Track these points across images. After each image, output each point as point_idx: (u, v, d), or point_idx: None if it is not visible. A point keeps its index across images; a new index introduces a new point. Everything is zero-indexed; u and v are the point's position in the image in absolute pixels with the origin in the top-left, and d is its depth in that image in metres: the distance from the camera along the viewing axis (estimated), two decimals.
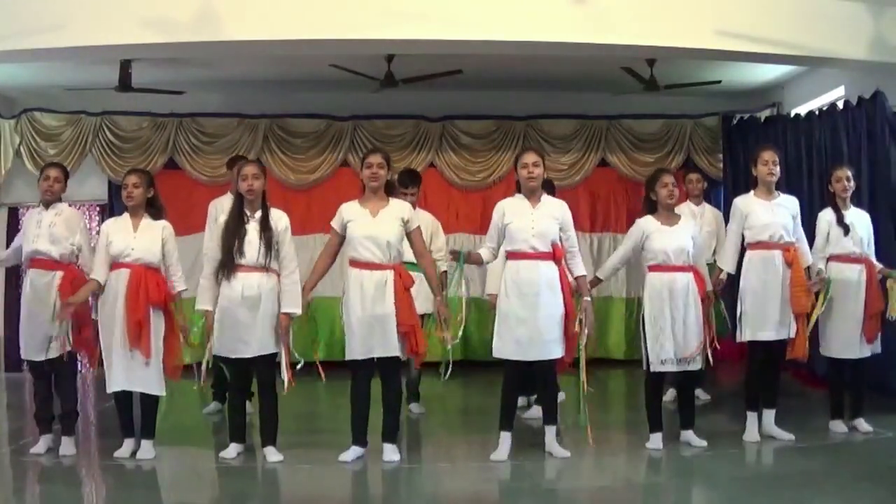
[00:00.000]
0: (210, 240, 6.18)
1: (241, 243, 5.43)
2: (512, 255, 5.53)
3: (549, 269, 5.48)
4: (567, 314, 5.49)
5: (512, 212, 5.56)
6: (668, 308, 5.62)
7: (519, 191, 5.67)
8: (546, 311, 5.43)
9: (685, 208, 7.19)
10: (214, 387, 6.96)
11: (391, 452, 5.50)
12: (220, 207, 6.40)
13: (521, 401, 6.98)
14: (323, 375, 5.66)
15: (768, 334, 5.82)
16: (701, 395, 7.29)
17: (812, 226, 6.21)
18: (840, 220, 6.08)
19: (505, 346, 5.50)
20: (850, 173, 6.15)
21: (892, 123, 7.45)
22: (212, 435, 6.57)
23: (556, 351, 5.48)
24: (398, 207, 5.57)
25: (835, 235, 6.08)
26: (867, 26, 7.18)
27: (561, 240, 5.53)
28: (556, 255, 5.49)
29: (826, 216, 6.16)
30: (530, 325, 5.43)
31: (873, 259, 6.17)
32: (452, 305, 6.26)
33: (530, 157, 5.58)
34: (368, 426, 5.57)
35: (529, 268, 5.47)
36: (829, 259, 6.11)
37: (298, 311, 5.49)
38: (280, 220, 5.56)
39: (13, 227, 9.35)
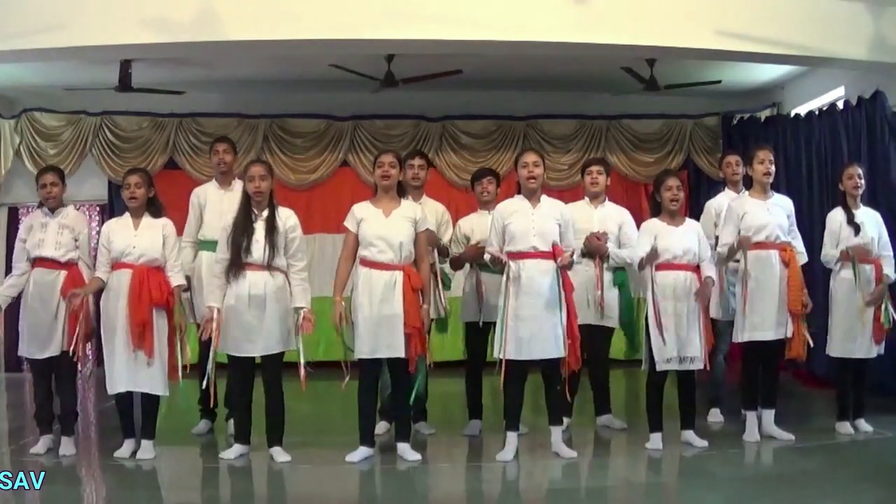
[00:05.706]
0: (191, 226, 6.14)
1: (248, 242, 5.44)
2: (513, 256, 5.52)
3: (550, 269, 5.48)
4: (569, 314, 5.49)
5: (512, 212, 5.57)
6: (672, 307, 5.61)
7: (519, 192, 5.69)
8: (548, 311, 5.42)
9: (723, 197, 6.53)
10: (201, 402, 6.41)
11: (410, 452, 5.50)
12: (204, 196, 6.33)
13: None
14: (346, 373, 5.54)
15: (766, 334, 5.80)
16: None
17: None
18: (850, 220, 6.06)
19: (507, 347, 5.47)
20: (860, 171, 6.13)
21: (892, 123, 7.46)
22: (212, 435, 6.55)
23: (559, 350, 5.46)
24: (409, 208, 5.61)
25: (845, 235, 6.05)
26: (867, 26, 7.18)
27: (560, 239, 5.53)
28: (556, 254, 5.49)
29: (836, 215, 6.14)
30: (532, 325, 5.42)
31: (891, 256, 6.11)
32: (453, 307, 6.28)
33: (531, 157, 5.61)
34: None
35: (530, 268, 5.46)
36: (837, 258, 6.08)
37: (307, 305, 5.51)
38: (288, 219, 5.57)
39: (13, 227, 9.35)
